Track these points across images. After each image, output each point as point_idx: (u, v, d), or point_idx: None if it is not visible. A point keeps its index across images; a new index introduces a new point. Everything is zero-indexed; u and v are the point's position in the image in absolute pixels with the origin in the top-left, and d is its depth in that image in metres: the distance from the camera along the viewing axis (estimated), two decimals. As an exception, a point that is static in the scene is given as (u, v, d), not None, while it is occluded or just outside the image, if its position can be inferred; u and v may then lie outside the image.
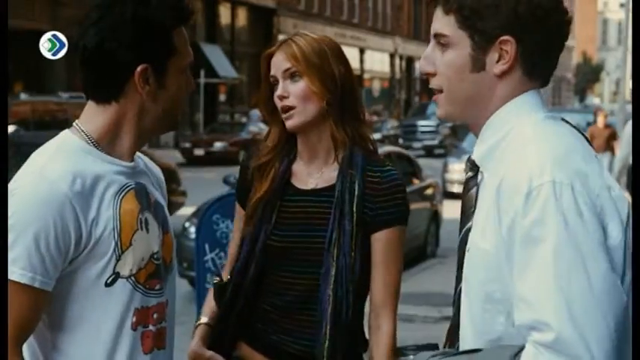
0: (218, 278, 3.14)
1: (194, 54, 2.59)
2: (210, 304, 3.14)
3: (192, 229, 9.57)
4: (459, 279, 2.22)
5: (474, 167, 2.22)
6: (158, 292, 2.54)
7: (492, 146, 2.15)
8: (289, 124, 3.00)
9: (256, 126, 31.58)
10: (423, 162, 15.33)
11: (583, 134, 2.18)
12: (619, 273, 2.00)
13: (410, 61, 61.47)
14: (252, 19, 45.13)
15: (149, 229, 2.52)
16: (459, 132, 34.14)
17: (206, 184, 18.59)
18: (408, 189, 12.13)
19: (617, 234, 2.01)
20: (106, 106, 2.49)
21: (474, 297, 2.13)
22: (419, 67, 2.26)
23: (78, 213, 2.38)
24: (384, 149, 12.66)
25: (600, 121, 18.89)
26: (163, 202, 2.65)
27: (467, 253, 2.17)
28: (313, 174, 3.06)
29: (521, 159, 2.05)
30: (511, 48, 2.13)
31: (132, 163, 2.54)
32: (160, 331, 2.56)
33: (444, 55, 2.18)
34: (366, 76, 55.00)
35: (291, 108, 2.99)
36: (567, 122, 2.19)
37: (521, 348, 2.00)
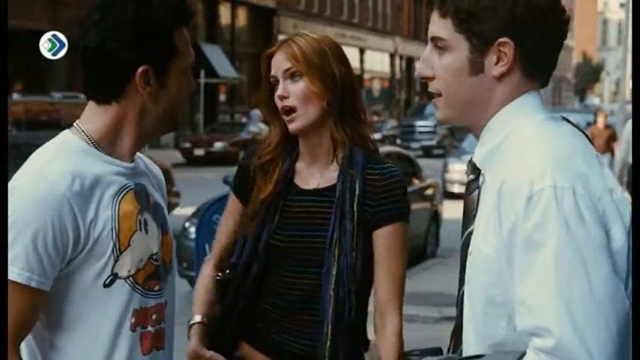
0: (221, 274, 3.14)
1: (194, 54, 2.59)
2: (200, 301, 3.12)
3: (192, 229, 9.56)
4: (461, 281, 2.21)
5: (475, 170, 2.21)
6: (157, 293, 2.54)
7: (493, 149, 2.14)
8: (292, 127, 3.00)
9: (256, 126, 31.58)
10: (422, 162, 15.33)
11: (585, 133, 2.17)
12: (622, 277, 1.98)
13: (410, 61, 61.48)
14: (252, 19, 45.14)
15: (148, 230, 2.52)
16: (457, 132, 34.07)
17: (206, 184, 18.60)
18: (408, 189, 12.16)
19: (620, 237, 1.99)
20: (107, 107, 2.48)
21: (475, 300, 2.12)
22: (417, 70, 2.24)
23: (76, 213, 2.38)
24: (384, 149, 12.65)
25: (600, 121, 18.88)
26: (163, 203, 2.65)
27: (469, 257, 2.15)
28: (315, 174, 3.06)
29: (522, 161, 2.03)
30: (509, 50, 2.11)
31: (132, 164, 2.54)
32: (159, 332, 2.55)
33: (442, 58, 2.16)
34: (366, 76, 55.00)
35: (292, 109, 2.99)
36: (568, 121, 2.17)
37: (522, 354, 1.98)
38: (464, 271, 2.19)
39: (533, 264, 1.96)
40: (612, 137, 18.47)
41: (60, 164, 2.41)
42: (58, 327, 2.44)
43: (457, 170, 20.51)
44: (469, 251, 2.16)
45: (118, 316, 2.45)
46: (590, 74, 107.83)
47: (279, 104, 3.01)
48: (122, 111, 2.48)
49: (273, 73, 3.04)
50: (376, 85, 58.46)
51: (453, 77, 2.16)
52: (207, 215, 6.76)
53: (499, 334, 2.07)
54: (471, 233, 2.17)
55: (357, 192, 2.96)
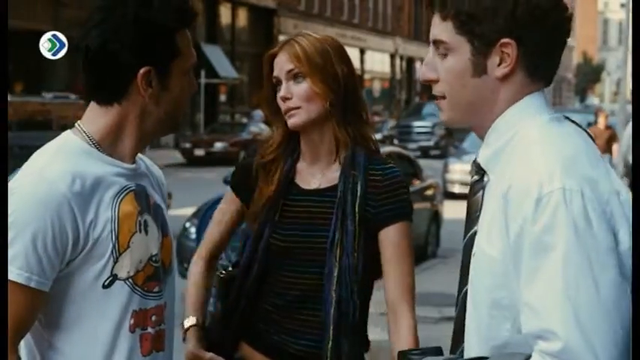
0: (224, 272, 3.14)
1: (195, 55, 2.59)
2: (192, 301, 3.10)
3: (193, 230, 9.55)
4: (462, 282, 2.20)
5: (479, 171, 2.20)
6: (157, 294, 2.54)
7: (498, 150, 2.13)
8: (291, 122, 3.00)
9: (257, 126, 31.59)
10: (422, 162, 15.32)
11: (588, 133, 2.16)
12: (629, 279, 1.97)
13: (410, 61, 61.48)
14: (252, 19, 45.14)
15: (148, 232, 2.52)
16: (456, 133, 33.92)
17: (206, 185, 18.62)
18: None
19: (627, 239, 1.99)
20: (108, 108, 2.48)
21: (480, 302, 2.11)
22: (420, 74, 2.23)
23: (76, 214, 2.37)
24: (384, 149, 12.64)
25: (601, 121, 18.87)
26: (163, 205, 2.65)
27: (473, 258, 2.14)
28: (316, 174, 3.06)
29: (529, 164, 2.02)
30: (512, 50, 2.10)
31: (133, 165, 2.54)
32: (159, 334, 2.55)
33: (445, 61, 2.16)
34: (366, 76, 55.00)
35: (294, 108, 2.99)
36: (572, 121, 2.17)
37: (527, 357, 1.98)
38: (465, 271, 2.18)
39: (541, 267, 1.96)
40: (612, 138, 18.46)
41: (60, 165, 2.40)
42: (57, 327, 2.44)
43: (457, 170, 20.50)
44: (473, 252, 2.15)
45: (117, 317, 2.45)
46: (590, 74, 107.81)
47: (282, 105, 3.01)
48: (123, 112, 2.48)
49: (275, 73, 3.03)
50: (376, 86, 58.46)
51: (456, 79, 2.15)
52: (207, 215, 6.76)
53: (503, 335, 2.06)
54: (474, 234, 2.16)
55: (358, 193, 2.96)
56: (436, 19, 2.18)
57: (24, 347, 2.48)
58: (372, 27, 56.76)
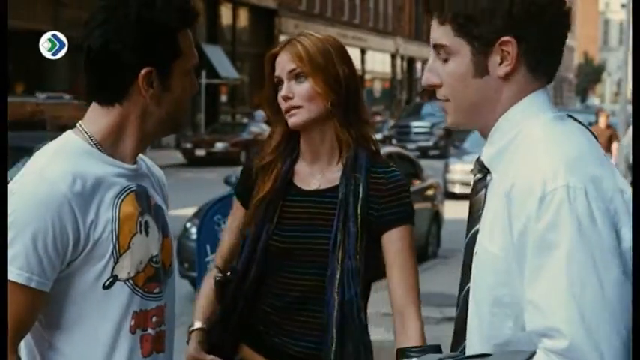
0: (220, 275, 3.13)
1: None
2: (201, 309, 3.12)
3: (194, 230, 9.54)
4: (463, 281, 2.21)
5: (482, 169, 2.21)
6: (157, 295, 2.53)
7: (502, 148, 2.14)
8: (292, 120, 2.99)
9: (258, 126, 31.60)
10: (423, 163, 15.33)
11: (591, 132, 2.16)
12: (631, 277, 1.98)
13: (411, 61, 61.51)
14: (253, 19, 45.16)
15: (149, 232, 2.52)
16: (454, 133, 33.73)
17: (207, 185, 18.62)
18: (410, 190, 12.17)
19: (629, 237, 1.99)
20: (110, 108, 2.48)
21: (481, 300, 2.11)
22: (423, 80, 2.23)
23: (77, 214, 2.37)
24: (385, 150, 12.66)
25: (602, 121, 18.89)
26: (164, 206, 2.65)
27: (475, 256, 2.15)
28: (316, 175, 3.05)
29: (533, 162, 2.03)
30: (512, 48, 2.10)
31: (134, 166, 2.54)
32: (160, 335, 2.55)
33: (446, 65, 2.16)
34: (367, 76, 55.02)
35: (296, 107, 2.98)
36: (575, 119, 2.17)
37: (532, 354, 1.98)
38: (466, 270, 2.19)
39: (544, 264, 1.96)
40: (613, 137, 18.47)
41: (61, 165, 2.40)
42: (58, 327, 2.44)
43: (458, 171, 20.50)
44: (475, 250, 2.15)
45: (118, 318, 2.45)
46: (591, 75, 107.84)
47: (283, 104, 3.00)
48: (125, 112, 2.48)
49: (277, 73, 3.03)
50: (377, 86, 58.50)
51: (458, 82, 2.15)
52: (208, 216, 6.75)
53: (505, 333, 2.07)
54: (476, 233, 2.16)
55: (360, 195, 2.95)
56: (435, 24, 2.18)
57: (24, 347, 2.47)
58: (373, 27, 56.78)
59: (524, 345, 2.01)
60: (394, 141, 35.65)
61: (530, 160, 2.04)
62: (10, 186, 2.38)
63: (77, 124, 2.52)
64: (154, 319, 2.52)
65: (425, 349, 2.20)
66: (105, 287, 2.43)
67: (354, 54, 50.23)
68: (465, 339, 2.19)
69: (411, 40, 61.23)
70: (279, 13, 45.42)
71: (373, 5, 57.19)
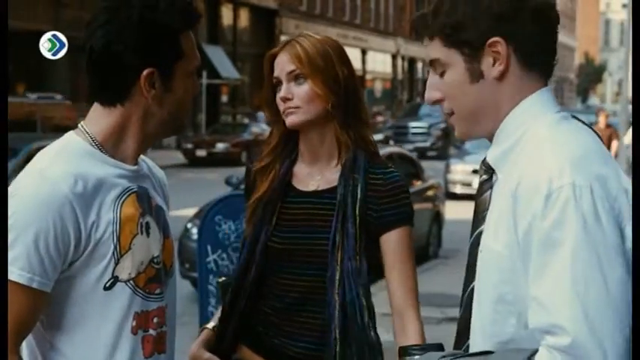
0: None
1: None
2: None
3: (195, 230, 9.53)
4: (467, 281, 2.22)
5: (488, 170, 2.22)
6: (158, 296, 2.54)
7: (507, 149, 2.15)
8: (289, 120, 2.99)
9: (259, 127, 31.59)
10: (424, 163, 15.33)
11: (596, 132, 2.17)
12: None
13: (412, 61, 61.51)
14: (254, 20, 45.16)
15: (150, 233, 2.52)
16: (452, 134, 33.40)
17: (208, 185, 18.63)
18: (411, 190, 12.15)
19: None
20: (112, 109, 2.48)
21: (485, 298, 2.12)
22: (426, 98, 2.27)
23: (78, 214, 2.37)
24: (386, 150, 12.66)
25: (602, 121, 18.92)
26: (165, 207, 2.65)
27: (479, 255, 2.16)
28: (314, 176, 3.05)
29: (539, 161, 2.04)
30: (502, 48, 2.12)
31: (135, 167, 2.54)
32: (161, 336, 2.55)
33: (444, 78, 2.19)
34: (368, 76, 55.03)
35: (294, 108, 2.98)
36: (579, 120, 2.18)
37: (534, 351, 1.98)
38: (470, 270, 2.20)
39: (549, 262, 1.97)
40: (613, 136, 18.49)
41: (62, 166, 2.40)
42: (59, 328, 2.44)
43: (459, 171, 20.50)
44: (479, 250, 2.16)
45: (119, 319, 2.45)
46: (592, 75, 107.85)
47: (282, 105, 3.00)
48: (126, 113, 2.48)
49: (276, 74, 3.02)
50: (378, 86, 58.50)
51: (457, 91, 2.18)
52: (209, 216, 6.75)
53: (508, 331, 2.08)
54: (480, 233, 2.17)
55: (359, 196, 2.95)
56: (426, 42, 2.22)
57: (25, 348, 2.48)
58: (374, 27, 56.78)
59: (527, 343, 2.02)
60: (391, 141, 35.28)
61: (536, 158, 2.05)
62: (10, 187, 2.38)
63: (79, 125, 2.53)
64: (155, 320, 2.52)
65: (427, 347, 2.20)
66: (106, 288, 2.43)
67: (355, 54, 50.27)
68: (468, 339, 2.20)
69: (412, 40, 61.19)
70: (280, 14, 45.43)
71: (374, 5, 57.20)
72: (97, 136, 2.48)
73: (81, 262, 2.40)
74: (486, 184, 2.22)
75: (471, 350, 2.16)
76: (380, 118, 43.03)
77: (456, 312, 2.29)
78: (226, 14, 42.96)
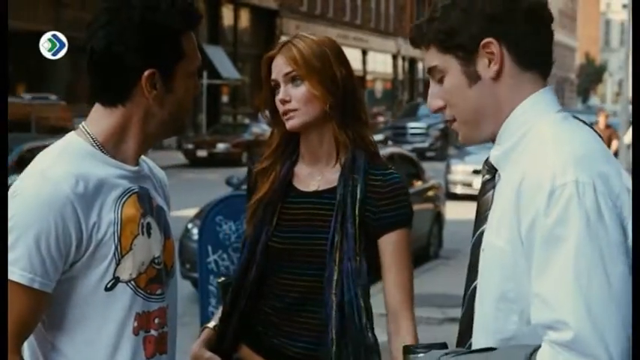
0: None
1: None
2: (219, 313, 3.15)
3: (195, 231, 9.54)
4: (469, 280, 2.23)
5: (491, 170, 2.23)
6: (159, 296, 2.54)
7: (510, 147, 2.16)
8: (290, 124, 2.99)
9: (259, 127, 31.58)
10: (424, 164, 15.33)
11: (598, 133, 2.18)
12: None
13: (413, 62, 61.49)
14: (254, 20, 45.16)
15: (151, 234, 2.52)
16: (451, 135, 33.28)
17: (209, 186, 18.63)
18: (411, 190, 12.19)
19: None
20: (113, 110, 2.48)
21: (487, 296, 2.14)
22: (429, 107, 2.30)
23: (79, 215, 2.37)
24: (387, 150, 12.66)
25: (601, 121, 18.92)
26: (166, 207, 2.65)
27: (482, 253, 2.17)
28: (315, 176, 3.05)
29: (542, 159, 2.05)
30: (495, 48, 2.15)
31: (136, 167, 2.54)
32: (162, 336, 2.55)
33: (443, 85, 2.22)
34: (368, 77, 55.03)
35: (293, 111, 2.98)
36: (581, 120, 2.19)
37: (537, 347, 1.99)
38: (472, 270, 2.21)
39: (552, 258, 1.97)
40: (613, 137, 18.49)
41: (63, 166, 2.40)
42: (60, 329, 2.44)
43: (460, 171, 20.51)
44: (481, 248, 2.17)
45: (120, 320, 2.45)
46: (592, 75, 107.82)
47: (281, 108, 3.00)
48: (127, 114, 2.48)
49: (273, 76, 3.02)
50: (379, 86, 58.49)
51: (457, 96, 2.20)
52: (209, 216, 6.76)
53: (510, 328, 2.09)
54: (482, 233, 2.19)
55: (358, 196, 2.95)
56: (424, 51, 2.25)
57: (27, 349, 2.47)
58: (375, 28, 56.78)
59: (529, 340, 2.03)
60: (389, 142, 34.82)
61: (539, 156, 2.06)
62: (12, 187, 2.38)
63: (80, 125, 2.53)
64: (156, 320, 2.53)
65: (431, 346, 2.21)
66: (107, 289, 2.43)
67: (356, 55, 50.26)
68: (470, 338, 2.22)
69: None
70: (281, 14, 45.42)
71: (375, 6, 57.19)
72: (98, 137, 2.48)
73: (82, 262, 2.40)
74: (489, 184, 2.23)
75: (473, 348, 2.17)
76: (381, 119, 42.96)
77: (457, 312, 2.30)
78: (227, 15, 42.97)
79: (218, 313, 3.16)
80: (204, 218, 6.87)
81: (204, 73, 34.63)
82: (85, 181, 2.40)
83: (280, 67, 3.00)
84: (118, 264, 2.43)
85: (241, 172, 13.18)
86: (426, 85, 2.40)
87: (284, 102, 2.99)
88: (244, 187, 3.26)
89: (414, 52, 59.50)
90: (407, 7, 61.08)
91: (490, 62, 2.15)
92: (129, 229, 2.45)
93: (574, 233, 1.96)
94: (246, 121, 37.68)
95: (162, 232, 2.57)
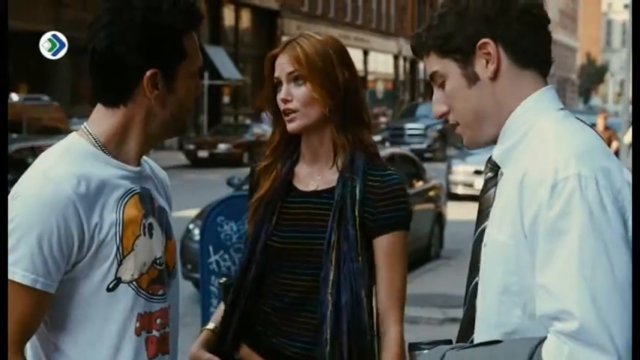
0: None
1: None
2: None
3: (197, 231, 9.56)
4: (470, 277, 2.24)
5: (494, 168, 2.25)
6: (161, 297, 2.54)
7: (513, 145, 2.18)
8: (290, 126, 3.00)
9: (260, 128, 31.59)
10: (424, 164, 15.33)
11: (598, 132, 2.20)
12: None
13: (414, 62, 61.47)
14: (255, 20, 45.18)
15: (152, 235, 2.52)
16: (449, 135, 33.23)
17: (210, 186, 18.63)
18: (412, 191, 12.18)
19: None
20: (115, 110, 2.48)
21: (489, 290, 2.15)
22: (434, 113, 2.32)
23: (81, 216, 2.37)
24: (387, 151, 12.66)
25: (600, 122, 18.92)
26: (167, 208, 2.65)
27: (483, 249, 2.19)
28: (315, 176, 3.05)
29: (544, 155, 2.07)
30: (491, 48, 2.18)
31: (138, 168, 2.54)
32: (164, 337, 2.55)
33: (445, 89, 2.25)
34: (369, 77, 55.03)
35: (293, 111, 2.98)
36: (581, 120, 2.21)
37: (542, 339, 2.00)
38: (474, 267, 2.23)
39: (556, 250, 1.99)
40: (612, 138, 18.48)
41: (65, 167, 2.41)
42: (62, 330, 2.44)
43: (461, 172, 20.52)
44: (483, 244, 2.19)
45: (122, 321, 2.45)
46: (594, 75, 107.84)
47: (282, 106, 3.00)
48: (129, 114, 2.48)
49: (276, 75, 3.03)
50: (380, 87, 58.50)
51: (458, 99, 2.23)
52: (211, 217, 6.76)
53: (513, 322, 2.11)
54: (484, 230, 2.20)
55: (357, 197, 2.95)
56: (425, 59, 2.29)
57: (30, 349, 2.48)
58: (376, 28, 56.79)
59: (532, 334, 2.05)
60: (387, 143, 34.39)
61: (541, 152, 2.08)
62: (14, 188, 2.38)
63: (82, 126, 2.53)
64: (158, 321, 2.53)
65: (436, 343, 2.22)
66: (109, 290, 2.43)
67: (357, 55, 50.25)
68: (471, 334, 2.23)
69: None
70: (282, 15, 45.44)
71: (376, 6, 57.21)
72: (99, 137, 2.48)
73: (84, 263, 2.40)
74: (491, 182, 2.25)
75: (476, 341, 2.18)
76: (382, 119, 42.93)
77: (458, 313, 2.31)
78: (228, 15, 42.98)
79: (216, 314, 3.16)
80: (206, 219, 6.88)
81: (206, 74, 34.62)
82: (87, 182, 2.40)
83: (283, 65, 3.00)
84: (119, 264, 2.43)
85: (242, 172, 13.19)
86: (427, 86, 2.43)
87: (285, 101, 2.99)
88: (245, 187, 3.26)
89: (415, 53, 59.50)
90: (408, 8, 61.09)
91: (487, 62, 2.18)
92: (130, 230, 2.45)
93: (577, 225, 1.97)
94: (248, 121, 37.70)
95: (164, 233, 2.57)
